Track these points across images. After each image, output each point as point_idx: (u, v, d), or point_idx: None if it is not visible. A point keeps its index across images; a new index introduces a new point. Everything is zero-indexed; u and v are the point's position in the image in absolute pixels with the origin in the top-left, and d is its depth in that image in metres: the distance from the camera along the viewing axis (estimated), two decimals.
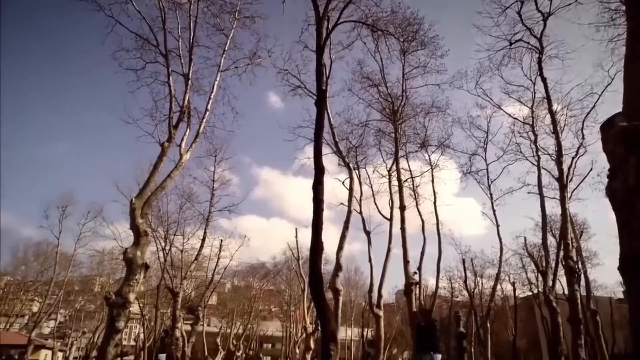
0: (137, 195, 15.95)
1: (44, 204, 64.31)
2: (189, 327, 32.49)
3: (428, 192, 27.49)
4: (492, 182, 27.68)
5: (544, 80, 19.31)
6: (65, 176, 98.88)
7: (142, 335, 40.21)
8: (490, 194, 27.62)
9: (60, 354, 41.82)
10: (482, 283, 40.77)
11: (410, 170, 26.65)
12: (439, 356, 8.75)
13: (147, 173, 16.93)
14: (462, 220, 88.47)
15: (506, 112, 25.17)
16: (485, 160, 27.87)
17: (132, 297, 15.21)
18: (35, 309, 48.70)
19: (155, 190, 16.34)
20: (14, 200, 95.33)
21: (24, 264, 48.68)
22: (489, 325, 31.44)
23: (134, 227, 15.38)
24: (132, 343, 55.07)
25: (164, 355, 12.64)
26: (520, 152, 25.10)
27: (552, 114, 19.51)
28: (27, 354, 31.35)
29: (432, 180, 27.19)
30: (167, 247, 29.18)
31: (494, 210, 27.48)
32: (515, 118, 24.56)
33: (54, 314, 44.77)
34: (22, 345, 32.57)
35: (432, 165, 27.36)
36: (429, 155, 27.47)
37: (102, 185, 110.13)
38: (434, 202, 26.82)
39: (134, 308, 28.73)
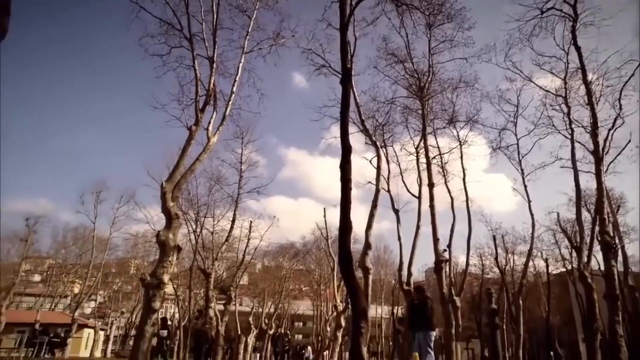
0: (167, 179, 16.26)
1: (79, 189, 66.57)
2: (221, 307, 33.33)
3: (457, 169, 27.11)
4: (523, 157, 27.12)
5: (578, 49, 18.51)
6: (98, 162, 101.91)
7: (177, 315, 41.54)
8: (521, 170, 27.08)
9: (101, 333, 43.63)
10: (513, 260, 40.27)
11: (438, 147, 26.26)
12: (433, 333, 8.68)
13: (176, 157, 17.20)
14: (492, 196, 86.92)
15: (537, 85, 24.29)
16: (516, 135, 27.28)
17: (166, 278, 15.65)
18: (76, 290, 50.85)
19: (184, 173, 16.63)
20: (51, 187, 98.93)
21: (64, 248, 50.76)
22: (521, 302, 31.10)
23: (165, 210, 15.74)
24: (168, 322, 57.01)
25: (165, 331, 13.14)
26: (553, 125, 24.30)
27: (587, 84, 18.72)
28: (72, 332, 32.90)
29: (461, 157, 26.77)
30: (198, 230, 29.80)
31: (525, 186, 26.98)
32: (547, 90, 23.70)
33: (94, 295, 46.71)
34: (66, 324, 34.19)
35: (460, 142, 26.93)
36: (457, 132, 27.05)
37: (134, 170, 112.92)
38: (463, 179, 26.38)
39: (169, 289, 29.66)
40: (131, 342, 42.32)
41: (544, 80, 24.97)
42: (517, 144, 27.19)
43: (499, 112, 27.55)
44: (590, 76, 19.48)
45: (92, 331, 40.21)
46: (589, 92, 18.65)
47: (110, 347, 48.06)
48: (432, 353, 8.42)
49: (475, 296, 45.91)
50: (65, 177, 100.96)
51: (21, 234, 40.51)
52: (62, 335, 28.27)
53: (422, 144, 23.61)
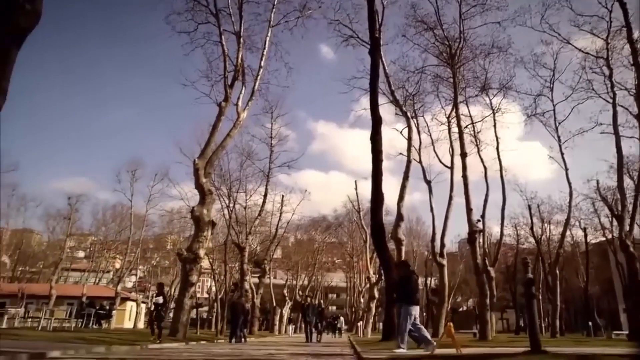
0: (199, 155, 16.55)
1: (115, 168, 68.67)
2: (256, 280, 34.14)
3: (490, 138, 26.52)
4: (559, 123, 26.22)
5: (623, 5, 17.48)
6: (132, 141, 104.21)
7: (214, 288, 42.72)
8: (558, 137, 26.24)
9: (143, 305, 45.50)
10: (549, 229, 39.30)
11: (470, 116, 25.65)
12: (415, 307, 8.68)
13: (207, 133, 17.43)
14: (527, 165, 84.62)
15: (576, 47, 23.23)
16: (552, 100, 26.30)
17: (202, 252, 16.12)
18: (117, 265, 53.00)
19: (216, 149, 16.86)
20: (89, 166, 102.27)
21: (104, 225, 52.79)
22: (557, 271, 30.58)
23: (199, 186, 16.07)
24: (206, 295, 58.83)
25: (160, 297, 13.58)
26: (592, 89, 23.27)
27: (632, 43, 17.71)
28: (116, 305, 34.51)
29: (494, 125, 26.04)
30: (231, 205, 30.27)
31: (562, 154, 26.19)
32: (586, 52, 22.62)
33: (134, 269, 48.54)
34: (110, 297, 35.90)
35: (493, 110, 26.18)
36: (490, 99, 26.29)
37: (166, 148, 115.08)
38: (497, 148, 25.72)
39: (205, 263, 30.48)
40: (171, 314, 44.13)
41: (583, 41, 23.69)
42: (554, 110, 26.26)
43: (534, 77, 26.56)
44: (636, 34, 18.42)
45: (134, 304, 41.99)
46: (634, 52, 17.65)
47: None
48: (407, 326, 8.52)
49: (510, 266, 45.36)
50: (102, 156, 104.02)
51: (64, 212, 42.44)
52: (107, 307, 29.67)
53: (453, 113, 23.08)
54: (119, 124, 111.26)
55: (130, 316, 41.15)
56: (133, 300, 41.92)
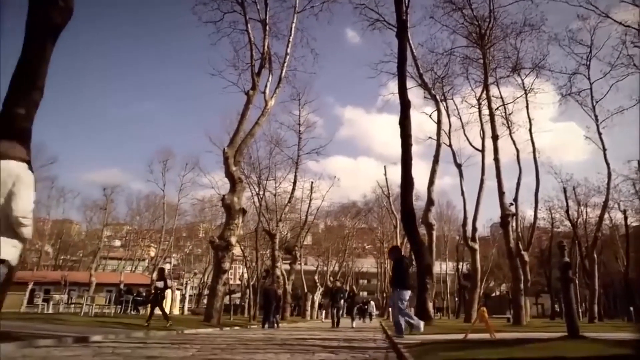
0: (228, 144, 16.74)
1: (147, 159, 70.19)
2: (287, 266, 34.51)
3: (522, 119, 25.78)
4: (597, 102, 25.30)
5: None
6: (162, 132, 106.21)
7: (246, 275, 43.46)
8: (595, 116, 25.30)
9: (177, 292, 46.73)
10: (586, 212, 38.10)
11: (501, 97, 25.07)
12: (407, 292, 8.56)
13: (236, 122, 17.59)
14: (562, 146, 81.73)
15: (615, 21, 22.13)
16: (589, 78, 25.35)
17: (233, 240, 16.38)
18: (152, 253, 54.51)
19: (245, 138, 17.01)
20: (121, 157, 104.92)
21: (138, 215, 54.28)
22: (595, 255, 29.72)
23: (229, 174, 16.28)
24: (238, 282, 59.89)
25: (162, 282, 13.93)
26: (634, 64, 22.27)
27: None
28: (152, 292, 35.56)
29: (527, 106, 25.37)
30: (261, 192, 30.53)
31: (599, 134, 25.28)
32: (627, 25, 21.53)
33: (168, 257, 49.84)
34: (146, 284, 37.00)
35: (526, 90, 25.45)
36: (522, 80, 25.59)
37: (196, 137, 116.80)
38: (530, 129, 25.08)
39: (237, 251, 30.94)
40: (205, 301, 45.24)
41: (623, 14, 22.44)
42: (590, 88, 25.32)
43: (569, 55, 25.59)
44: None
45: (169, 291, 43.13)
46: None
47: (186, 305, 51.49)
48: (404, 310, 8.48)
49: (544, 250, 44.34)
50: (133, 147, 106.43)
51: (101, 203, 43.91)
52: (144, 294, 30.60)
53: (484, 95, 22.58)
54: (149, 115, 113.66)
55: (165, 303, 42.35)
56: (168, 288, 43.11)
